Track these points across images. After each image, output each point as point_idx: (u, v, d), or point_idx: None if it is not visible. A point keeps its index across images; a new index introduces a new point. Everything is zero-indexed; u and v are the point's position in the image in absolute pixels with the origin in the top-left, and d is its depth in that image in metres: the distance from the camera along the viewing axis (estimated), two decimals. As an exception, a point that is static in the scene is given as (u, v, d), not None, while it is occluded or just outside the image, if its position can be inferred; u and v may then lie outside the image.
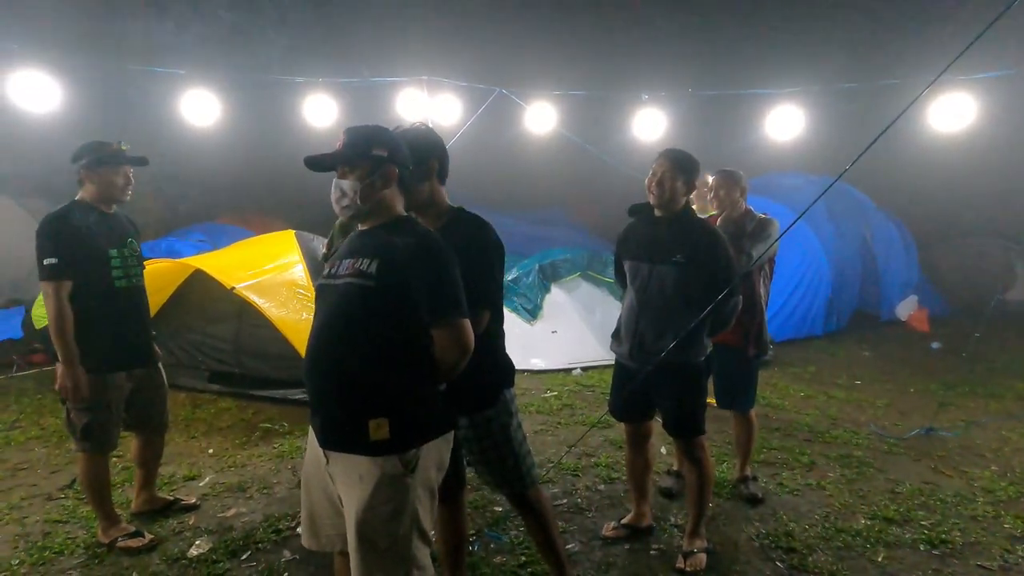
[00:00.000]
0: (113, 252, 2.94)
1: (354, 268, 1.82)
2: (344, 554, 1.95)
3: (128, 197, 3.02)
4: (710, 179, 3.53)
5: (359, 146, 1.88)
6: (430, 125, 2.44)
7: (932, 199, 10.53)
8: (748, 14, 12.05)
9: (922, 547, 2.99)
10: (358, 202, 1.86)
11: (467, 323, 1.85)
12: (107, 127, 4.29)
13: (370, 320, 1.79)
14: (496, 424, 2.25)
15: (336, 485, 1.84)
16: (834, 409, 5.13)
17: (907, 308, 8.58)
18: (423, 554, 1.84)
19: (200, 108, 6.83)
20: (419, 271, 1.79)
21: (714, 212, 3.51)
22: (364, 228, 1.95)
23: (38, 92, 6.02)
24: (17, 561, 2.88)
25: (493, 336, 2.26)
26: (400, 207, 1.96)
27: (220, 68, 7.06)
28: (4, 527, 3.21)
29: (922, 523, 3.21)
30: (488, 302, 2.11)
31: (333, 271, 1.90)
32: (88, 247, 2.86)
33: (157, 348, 3.23)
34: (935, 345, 7.39)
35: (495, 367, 2.28)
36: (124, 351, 2.98)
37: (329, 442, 1.84)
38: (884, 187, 9.16)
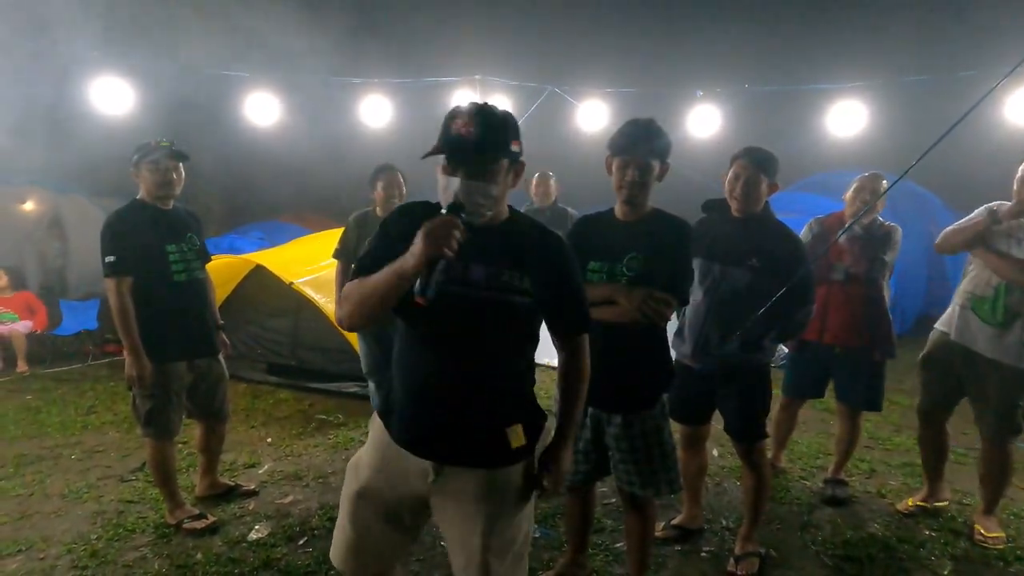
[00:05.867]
0: (171, 247, 3.04)
1: (501, 280, 1.55)
2: None
3: (176, 192, 3.07)
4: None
5: (504, 139, 1.54)
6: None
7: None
8: (807, 5, 11.65)
9: (994, 563, 2.85)
10: (493, 206, 1.56)
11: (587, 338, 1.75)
12: (175, 129, 4.47)
13: (517, 331, 1.64)
14: (650, 425, 2.25)
15: (447, 502, 1.64)
16: (896, 415, 4.92)
17: (978, 312, 8.11)
18: None
19: (262, 110, 7.09)
20: (562, 279, 1.64)
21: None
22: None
23: (114, 96, 6.37)
24: (95, 536, 3.08)
25: (663, 337, 2.30)
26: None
27: (281, 71, 7.27)
28: (83, 504, 3.43)
29: (994, 537, 3.05)
30: (682, 295, 2.23)
31: (453, 276, 1.50)
32: (145, 244, 2.96)
33: (226, 339, 3.36)
34: (1010, 352, 6.96)
35: (662, 370, 2.30)
36: (185, 342, 3.09)
37: (461, 459, 1.62)
38: (955, 185, 8.68)
